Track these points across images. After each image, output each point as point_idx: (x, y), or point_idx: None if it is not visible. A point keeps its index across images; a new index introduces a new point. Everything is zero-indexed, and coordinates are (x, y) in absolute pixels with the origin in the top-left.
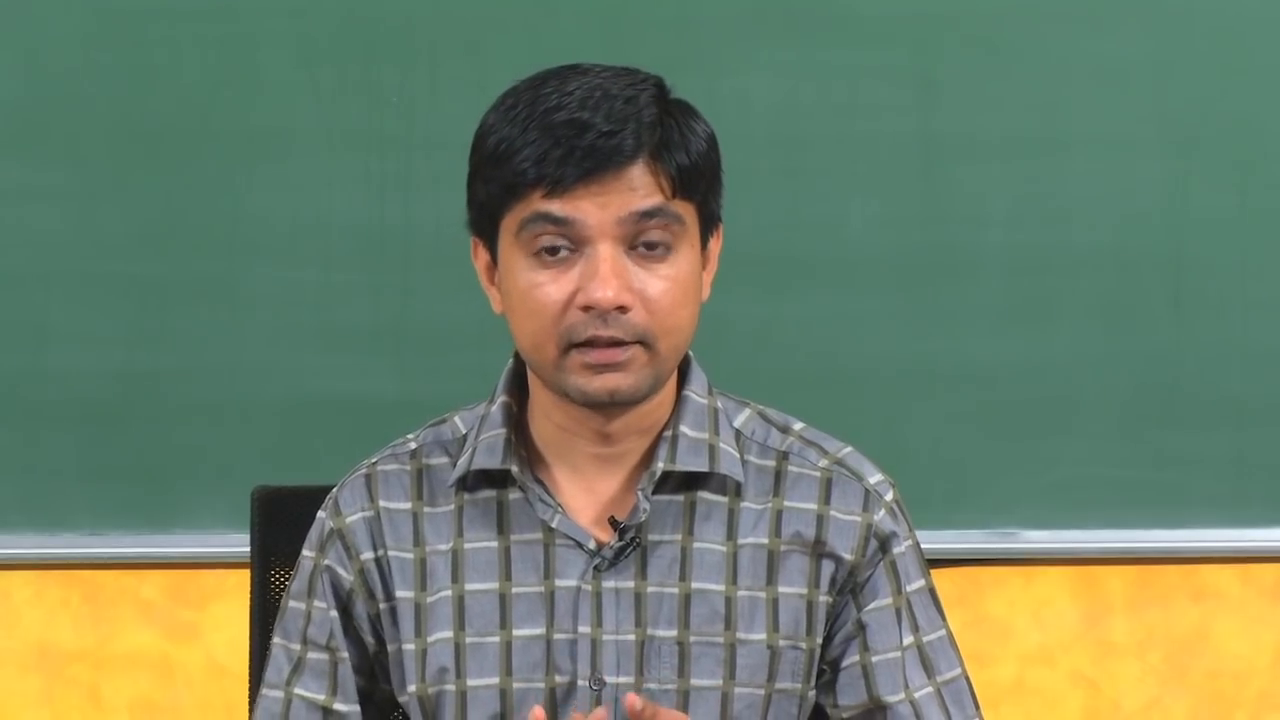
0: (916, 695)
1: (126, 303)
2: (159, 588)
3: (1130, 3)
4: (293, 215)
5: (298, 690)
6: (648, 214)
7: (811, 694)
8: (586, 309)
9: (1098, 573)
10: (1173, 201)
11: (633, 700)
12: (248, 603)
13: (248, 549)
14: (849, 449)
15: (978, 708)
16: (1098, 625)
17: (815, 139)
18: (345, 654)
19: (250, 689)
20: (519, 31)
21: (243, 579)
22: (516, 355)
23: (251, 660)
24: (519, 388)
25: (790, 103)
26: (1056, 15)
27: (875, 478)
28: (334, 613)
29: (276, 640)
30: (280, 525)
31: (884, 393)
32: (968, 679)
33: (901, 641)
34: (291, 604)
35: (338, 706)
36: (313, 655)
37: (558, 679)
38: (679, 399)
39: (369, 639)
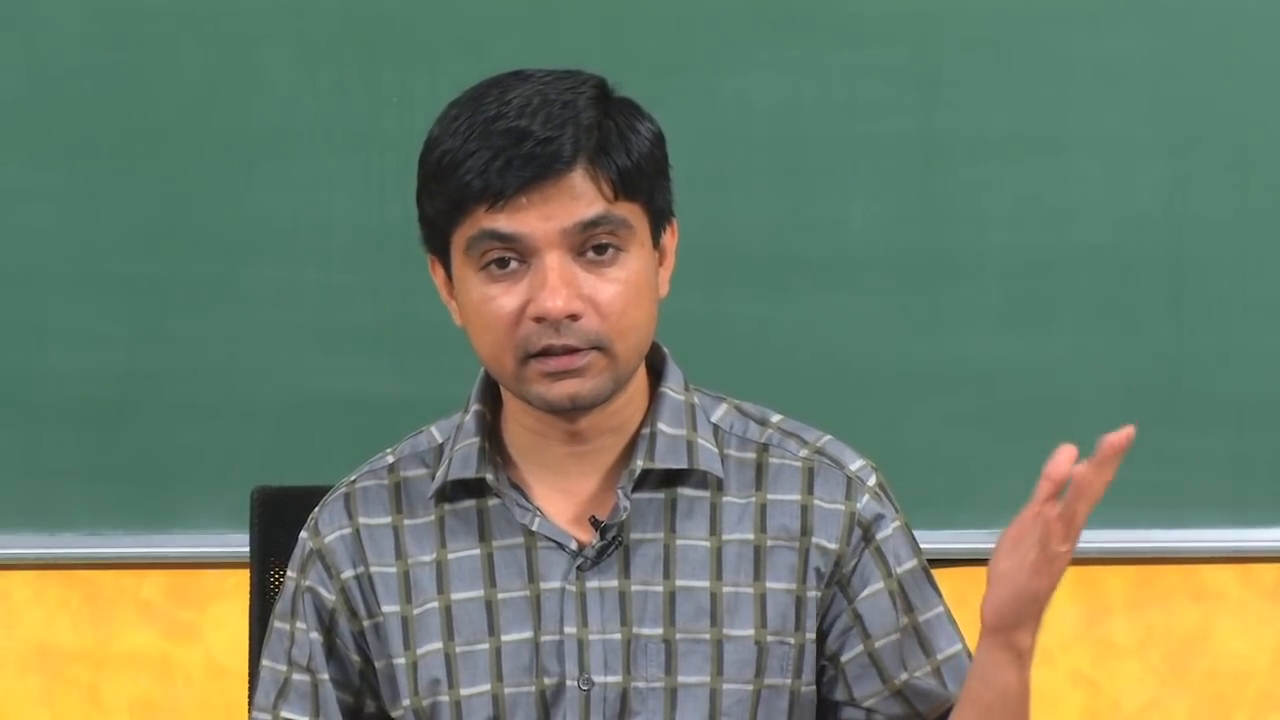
0: (916, 676)
1: (126, 303)
2: (159, 588)
3: (1130, 3)
4: (293, 215)
5: (284, 713)
6: (592, 223)
7: (806, 689)
8: (539, 319)
9: (1098, 572)
10: (1173, 201)
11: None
12: (247, 603)
13: (247, 549)
14: (828, 437)
15: None
16: (1098, 625)
17: (815, 139)
18: (325, 676)
19: (250, 688)
20: (519, 31)
21: (242, 579)
22: None
23: (251, 660)
24: (492, 396)
25: (790, 102)
26: (1057, 15)
27: (856, 464)
28: (314, 634)
29: (265, 662)
30: (280, 525)
31: (884, 393)
32: (969, 655)
33: (898, 623)
34: (276, 625)
35: None
36: (296, 677)
37: (546, 681)
38: (655, 396)
39: (354, 656)
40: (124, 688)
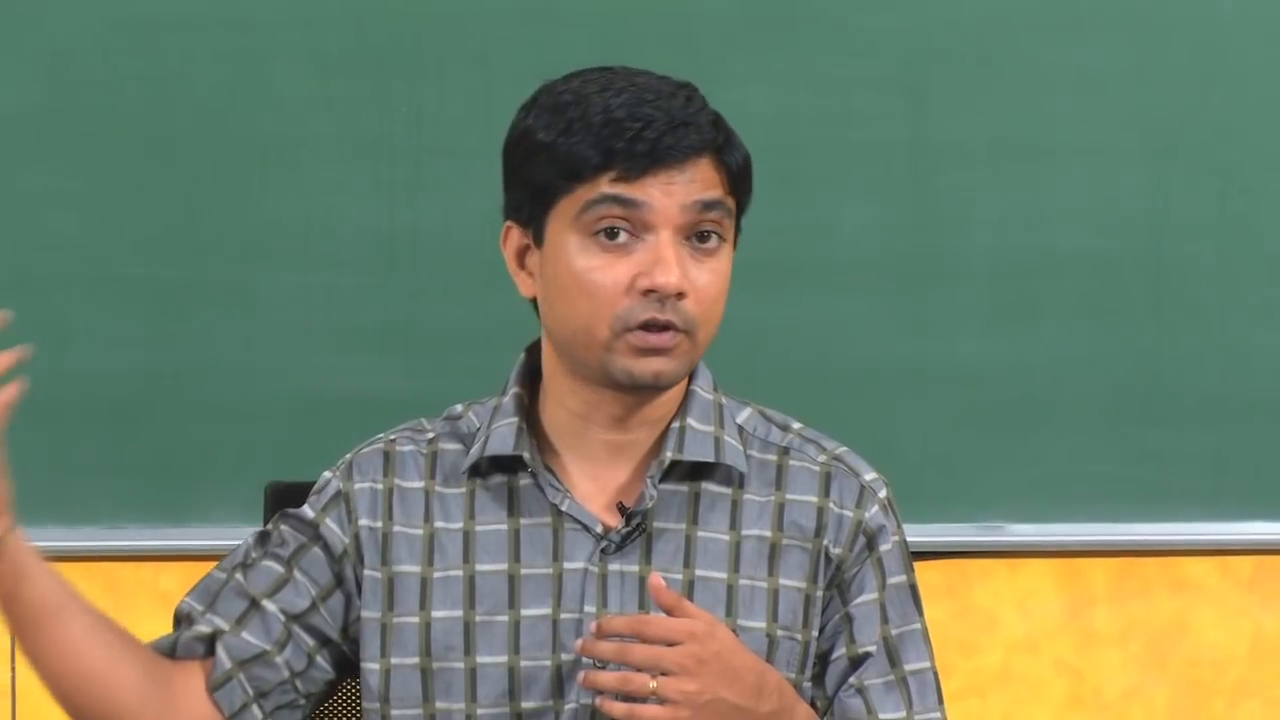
0: (867, 683)
1: (145, 305)
2: (176, 579)
3: (1112, 14)
4: (305, 220)
5: (238, 577)
6: (710, 204)
7: (807, 685)
8: (647, 293)
9: (1081, 565)
10: (1153, 207)
11: (656, 581)
12: None
13: None
14: (845, 448)
15: (940, 703)
16: (1081, 615)
17: (809, 147)
18: (299, 576)
19: None
20: (523, 44)
21: None
22: (528, 349)
23: None
24: (530, 380)
25: (785, 112)
26: (1041, 27)
27: (870, 475)
28: (315, 549)
29: (247, 541)
30: None
31: (875, 392)
32: (935, 675)
33: (878, 634)
34: (272, 528)
35: (265, 604)
36: (267, 562)
37: (563, 657)
38: (686, 393)
39: (357, 601)
40: None
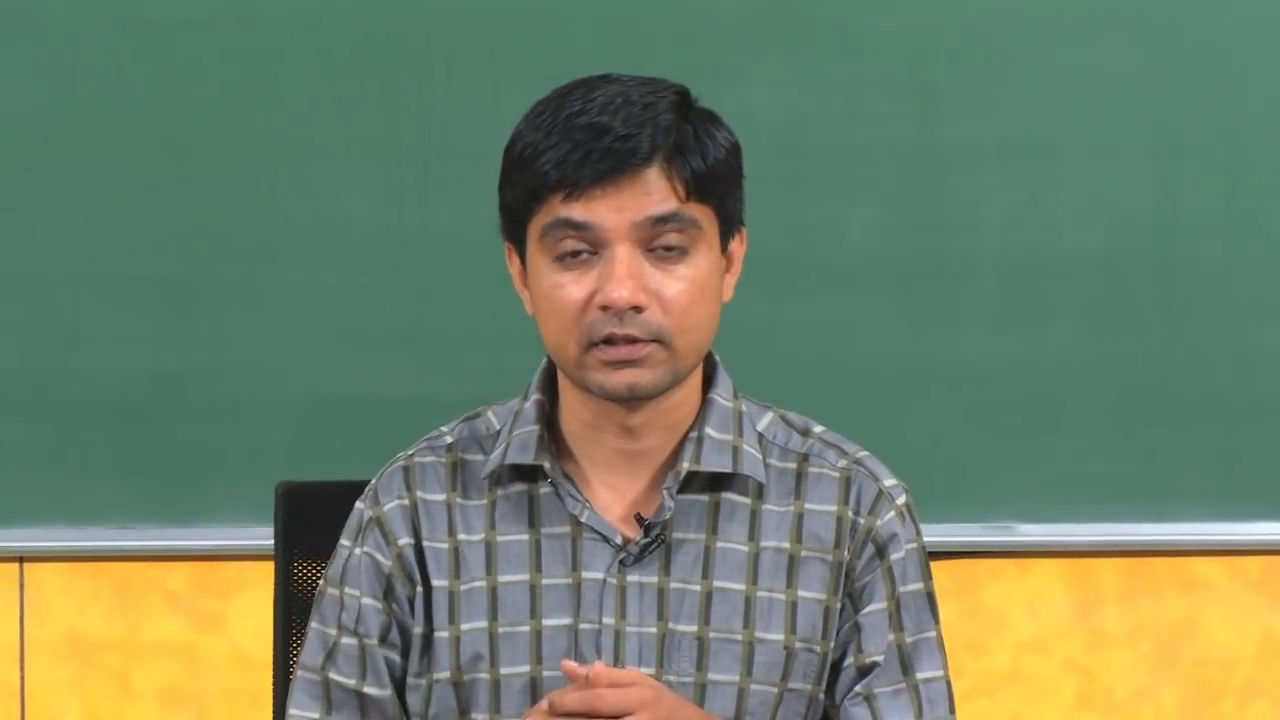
0: (876, 691)
1: (154, 304)
2: (185, 579)
3: (1120, 16)
4: (314, 220)
5: (332, 675)
6: (663, 218)
7: (822, 696)
8: (604, 308)
9: (1090, 565)
10: (1161, 207)
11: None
12: (271, 593)
13: (270, 542)
14: (866, 452)
15: (952, 712)
16: (1090, 615)
17: (817, 147)
18: (374, 640)
19: (275, 677)
20: (531, 44)
21: (265, 571)
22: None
23: (275, 649)
24: (551, 387)
25: (793, 112)
26: (1049, 28)
27: (889, 481)
28: (367, 600)
29: (313, 624)
30: (302, 519)
31: (884, 392)
32: (948, 684)
33: (887, 641)
34: (328, 590)
35: (368, 690)
36: (345, 641)
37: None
38: (705, 401)
39: (408, 620)
40: (153, 675)
